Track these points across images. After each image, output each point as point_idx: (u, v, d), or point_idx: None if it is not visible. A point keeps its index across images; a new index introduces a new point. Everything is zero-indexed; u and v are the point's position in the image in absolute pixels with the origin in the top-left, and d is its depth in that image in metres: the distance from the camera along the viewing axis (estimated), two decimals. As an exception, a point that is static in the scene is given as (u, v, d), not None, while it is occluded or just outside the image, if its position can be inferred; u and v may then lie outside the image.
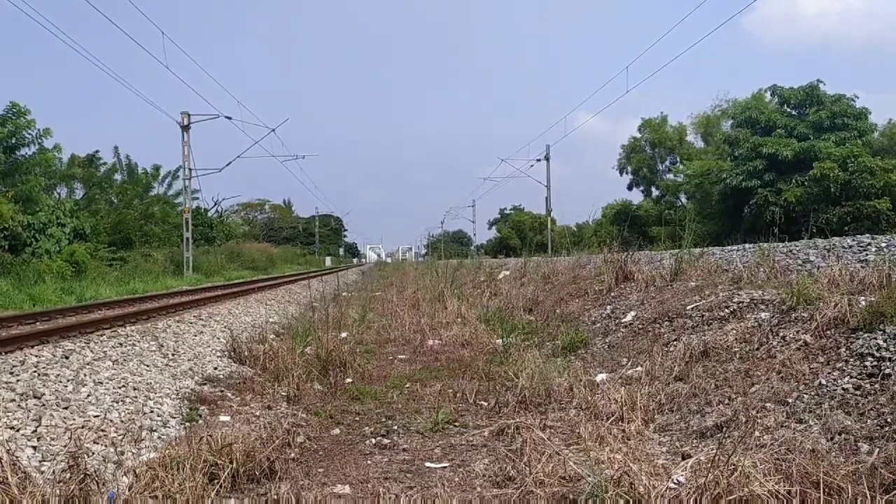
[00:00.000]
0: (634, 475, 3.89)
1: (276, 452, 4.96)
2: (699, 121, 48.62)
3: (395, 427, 6.11)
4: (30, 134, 23.21)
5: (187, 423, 6.04)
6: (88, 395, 6.10)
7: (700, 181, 36.51)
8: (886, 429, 4.22)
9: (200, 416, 6.31)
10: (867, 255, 8.69)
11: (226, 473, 4.44)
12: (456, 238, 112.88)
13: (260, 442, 4.95)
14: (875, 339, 5.26)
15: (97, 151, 36.33)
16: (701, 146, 48.44)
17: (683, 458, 4.48)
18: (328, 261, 76.11)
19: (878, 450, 3.94)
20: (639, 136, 51.89)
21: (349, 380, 8.02)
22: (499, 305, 14.23)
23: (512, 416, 6.01)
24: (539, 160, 44.86)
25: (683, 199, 45.05)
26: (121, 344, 8.63)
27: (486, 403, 6.80)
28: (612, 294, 11.08)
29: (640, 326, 8.61)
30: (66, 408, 5.66)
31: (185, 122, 30.89)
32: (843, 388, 4.88)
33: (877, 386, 4.75)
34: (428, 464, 5.09)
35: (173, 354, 8.73)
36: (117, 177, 38.12)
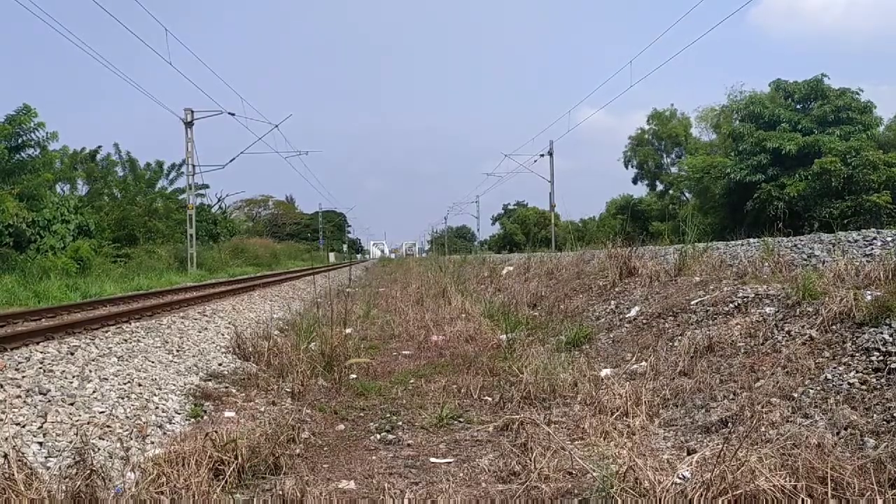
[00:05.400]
0: (640, 470, 3.89)
1: (281, 448, 4.97)
2: (705, 114, 48.53)
3: (400, 422, 6.11)
4: (37, 136, 23.34)
5: (192, 419, 6.06)
6: (94, 392, 6.12)
7: (701, 176, 36.41)
8: (893, 423, 4.20)
9: (205, 412, 6.33)
10: (873, 249, 8.65)
11: (231, 469, 4.45)
12: (460, 234, 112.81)
13: (265, 437, 4.95)
14: (881, 333, 5.24)
15: (100, 147, 36.41)
16: (706, 140, 48.35)
17: (689, 453, 4.48)
18: (332, 257, 76.17)
19: (884, 445, 3.93)
20: (646, 127, 51.80)
21: (353, 376, 8.03)
22: (503, 301, 14.22)
23: (516, 411, 6.01)
24: (543, 155, 44.78)
25: (687, 194, 44.97)
26: (125, 340, 8.65)
27: (490, 399, 6.80)
28: (617, 289, 11.07)
29: (644, 321, 8.60)
30: (71, 404, 5.68)
31: (189, 119, 30.91)
32: (849, 383, 4.86)
33: (883, 381, 4.73)
34: (433, 459, 5.09)
35: (178, 351, 8.75)
36: (119, 172, 38.17)
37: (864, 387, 4.76)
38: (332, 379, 7.66)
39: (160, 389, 6.66)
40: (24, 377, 6.19)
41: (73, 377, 6.45)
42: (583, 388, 6.40)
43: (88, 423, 5.31)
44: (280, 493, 4.12)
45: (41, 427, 5.13)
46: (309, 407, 6.44)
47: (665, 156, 51.98)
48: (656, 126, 51.02)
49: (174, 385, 6.93)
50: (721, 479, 3.55)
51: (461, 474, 4.69)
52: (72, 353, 7.40)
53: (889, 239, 9.15)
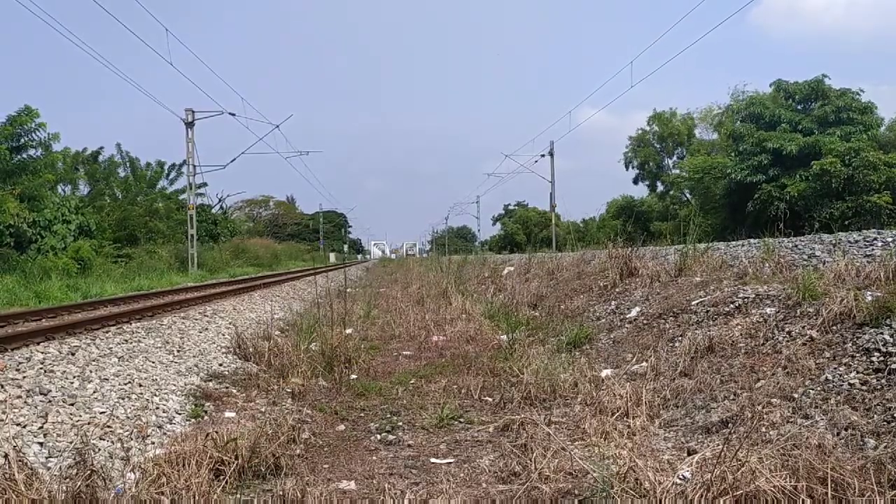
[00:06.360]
0: (640, 470, 3.89)
1: (282, 448, 4.97)
2: (705, 114, 48.54)
3: (400, 423, 6.11)
4: (38, 136, 23.37)
5: (193, 420, 6.06)
6: (94, 392, 6.12)
7: (702, 176, 36.37)
8: (893, 424, 4.20)
9: (206, 412, 6.33)
10: (873, 249, 8.65)
11: (231, 469, 4.45)
12: (460, 234, 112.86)
13: (265, 438, 4.95)
14: (881, 334, 5.24)
15: (101, 148, 36.48)
16: (706, 139, 48.31)
17: (689, 454, 4.47)
18: (332, 257, 76.21)
19: (884, 445, 3.93)
20: (647, 128, 51.71)
21: (354, 376, 8.03)
22: (503, 301, 14.23)
23: (517, 411, 6.01)
24: (543, 156, 44.81)
25: (688, 194, 44.92)
26: (126, 340, 8.65)
27: (490, 399, 6.80)
28: (617, 290, 11.07)
29: (644, 322, 8.60)
30: (72, 404, 5.68)
31: (190, 119, 30.91)
32: (850, 384, 4.86)
33: (883, 381, 4.73)
34: (433, 459, 5.09)
35: (178, 351, 8.75)
36: (120, 172, 38.25)
37: (864, 387, 4.76)
38: (332, 379, 7.66)
39: (161, 390, 6.66)
40: (24, 377, 6.20)
41: (74, 377, 6.45)
42: (583, 389, 6.40)
43: (89, 424, 5.31)
44: (280, 493, 4.12)
45: (42, 427, 5.13)
46: (309, 407, 6.44)
47: (666, 156, 51.94)
48: (657, 127, 50.96)
49: (175, 385, 6.93)
50: (721, 480, 3.55)
51: (462, 475, 4.69)
52: (72, 354, 7.40)
53: (889, 240, 9.15)
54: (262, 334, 9.82)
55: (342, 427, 6.06)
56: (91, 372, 6.73)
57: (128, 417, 5.67)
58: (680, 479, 3.93)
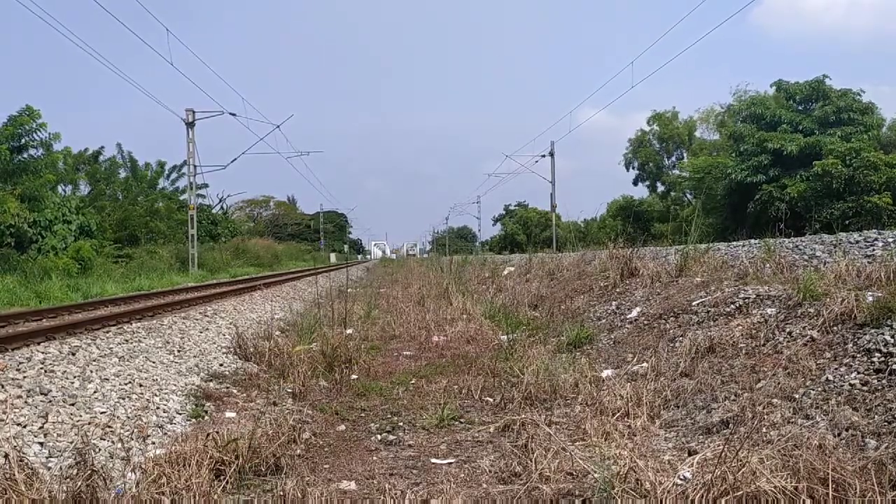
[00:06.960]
0: (641, 471, 3.89)
1: (282, 448, 4.97)
2: (706, 115, 48.57)
3: (401, 423, 6.11)
4: (39, 136, 23.38)
5: (193, 420, 6.06)
6: (95, 392, 6.12)
7: (703, 176, 36.37)
8: (894, 424, 4.20)
9: (206, 412, 6.33)
10: (874, 250, 8.64)
11: (232, 469, 4.45)
12: (461, 234, 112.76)
13: (265, 438, 4.96)
14: (882, 334, 5.23)
15: (102, 147, 36.52)
16: (709, 139, 48.30)
17: (690, 454, 4.47)
18: (333, 257, 76.15)
19: (885, 445, 3.92)
20: (647, 129, 51.71)
21: (354, 376, 8.03)
22: (504, 301, 14.23)
23: (517, 412, 6.00)
24: (544, 156, 44.80)
25: (689, 195, 44.90)
26: (127, 340, 8.66)
27: (491, 399, 6.80)
28: (618, 290, 11.06)
29: (645, 322, 8.59)
30: (72, 404, 5.68)
31: (190, 119, 30.91)
32: (850, 384, 4.86)
33: (884, 381, 4.72)
34: (433, 460, 5.09)
35: (179, 351, 8.75)
36: (121, 172, 38.32)
37: (865, 388, 4.76)
38: (332, 379, 7.66)
39: (161, 390, 6.66)
40: (25, 377, 6.20)
41: (75, 377, 6.45)
42: (584, 389, 6.40)
43: (89, 424, 5.31)
44: (281, 493, 4.12)
45: (42, 427, 5.13)
46: (310, 407, 6.44)
47: (666, 157, 51.91)
48: (658, 127, 50.96)
49: (175, 385, 6.93)
50: (722, 480, 3.55)
51: (462, 475, 4.69)
52: (73, 354, 7.41)
53: (890, 240, 9.14)
54: (262, 334, 9.82)
55: (342, 427, 6.06)
56: (91, 372, 6.73)
57: (128, 417, 5.67)
58: (681, 479, 3.93)
